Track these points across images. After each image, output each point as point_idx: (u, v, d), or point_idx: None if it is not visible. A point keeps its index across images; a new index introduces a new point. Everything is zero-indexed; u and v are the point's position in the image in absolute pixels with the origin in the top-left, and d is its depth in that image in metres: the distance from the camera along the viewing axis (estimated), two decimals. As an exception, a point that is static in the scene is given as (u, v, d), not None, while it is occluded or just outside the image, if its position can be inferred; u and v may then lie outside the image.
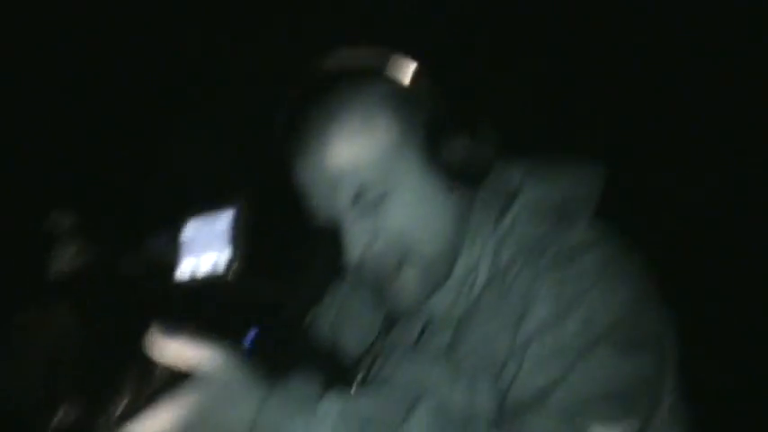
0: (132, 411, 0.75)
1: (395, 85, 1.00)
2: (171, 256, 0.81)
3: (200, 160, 2.06)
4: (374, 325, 1.12)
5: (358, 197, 0.96)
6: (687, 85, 2.10)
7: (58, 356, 0.71)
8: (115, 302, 0.78)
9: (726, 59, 2.10)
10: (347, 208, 0.97)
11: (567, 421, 0.81)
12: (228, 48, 2.21)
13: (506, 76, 2.07)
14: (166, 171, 2.06)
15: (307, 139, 0.98)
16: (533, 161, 1.08)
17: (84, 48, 2.15)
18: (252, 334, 0.87)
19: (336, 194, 0.97)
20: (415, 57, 1.03)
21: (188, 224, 0.81)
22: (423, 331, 1.03)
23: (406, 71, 1.01)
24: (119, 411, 0.75)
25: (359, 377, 1.01)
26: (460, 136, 0.96)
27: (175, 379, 0.78)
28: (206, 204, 0.80)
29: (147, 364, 0.77)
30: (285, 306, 0.91)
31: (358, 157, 0.96)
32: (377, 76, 1.00)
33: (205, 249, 0.78)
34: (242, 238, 0.77)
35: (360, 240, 0.97)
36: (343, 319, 1.17)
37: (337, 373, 0.94)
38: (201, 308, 0.83)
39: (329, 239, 0.97)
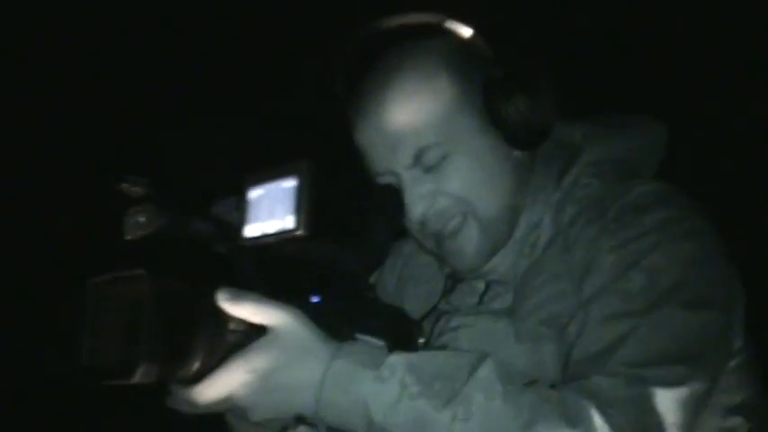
0: (206, 370, 0.78)
1: (454, 45, 0.99)
2: (239, 221, 0.83)
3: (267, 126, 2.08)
4: (436, 286, 1.13)
5: (418, 158, 0.96)
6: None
7: (135, 318, 0.74)
8: (187, 266, 0.81)
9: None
10: (407, 168, 0.97)
11: (633, 380, 0.80)
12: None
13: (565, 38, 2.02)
14: (232, 138, 2.09)
15: (366, 99, 0.99)
16: (594, 119, 1.07)
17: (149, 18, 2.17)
18: (318, 294, 0.88)
19: (396, 155, 0.97)
20: (472, 19, 1.02)
21: (254, 189, 0.82)
22: (485, 292, 1.04)
23: (465, 30, 1.01)
24: (193, 370, 0.78)
25: (423, 336, 1.02)
26: (520, 96, 0.95)
27: (246, 338, 0.80)
28: (271, 169, 0.82)
29: (219, 325, 0.79)
30: (349, 266, 0.92)
31: (418, 118, 0.96)
32: (436, 35, 1.00)
33: (271, 213, 0.80)
34: (306, 201, 0.78)
35: (420, 201, 0.97)
36: (407, 280, 1.18)
37: (402, 332, 0.95)
38: (269, 270, 0.85)
39: (390, 200, 0.97)
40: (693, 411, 0.83)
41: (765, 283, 1.29)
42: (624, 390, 0.79)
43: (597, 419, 0.76)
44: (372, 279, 1.20)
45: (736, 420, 0.94)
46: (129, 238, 0.80)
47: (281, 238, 0.79)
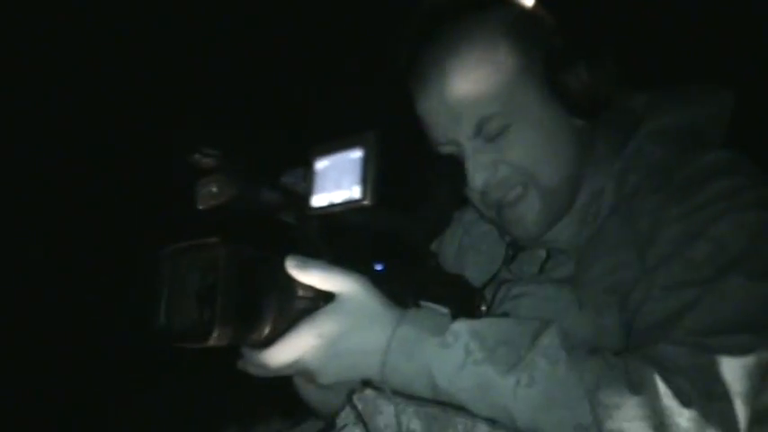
0: (276, 334, 0.81)
1: (515, 15, 0.99)
2: (306, 191, 0.85)
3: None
4: (497, 254, 1.14)
5: (480, 128, 0.97)
6: None
7: (211, 283, 0.77)
8: (257, 234, 0.83)
9: None
10: (469, 138, 0.98)
11: (698, 348, 0.80)
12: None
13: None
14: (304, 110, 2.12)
15: (428, 71, 0.99)
16: (656, 88, 1.06)
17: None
18: (382, 262, 0.90)
19: (459, 126, 0.98)
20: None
21: (321, 160, 0.84)
22: (546, 261, 1.04)
23: (527, 1, 1.00)
24: (264, 334, 0.81)
25: (485, 304, 1.03)
26: (581, 66, 0.95)
27: (314, 304, 0.83)
28: (337, 140, 0.83)
29: (288, 291, 0.82)
30: (412, 235, 0.94)
31: (479, 88, 0.96)
32: (497, 5, 0.99)
33: (337, 183, 0.82)
34: (372, 171, 0.79)
35: (482, 170, 0.98)
36: (467, 248, 1.19)
37: (464, 299, 0.96)
38: (336, 238, 0.87)
39: (453, 169, 0.98)
40: (759, 380, 0.82)
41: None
42: (689, 358, 0.79)
43: (661, 386, 0.76)
44: (433, 247, 1.22)
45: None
46: (201, 207, 0.83)
47: (348, 207, 0.81)
